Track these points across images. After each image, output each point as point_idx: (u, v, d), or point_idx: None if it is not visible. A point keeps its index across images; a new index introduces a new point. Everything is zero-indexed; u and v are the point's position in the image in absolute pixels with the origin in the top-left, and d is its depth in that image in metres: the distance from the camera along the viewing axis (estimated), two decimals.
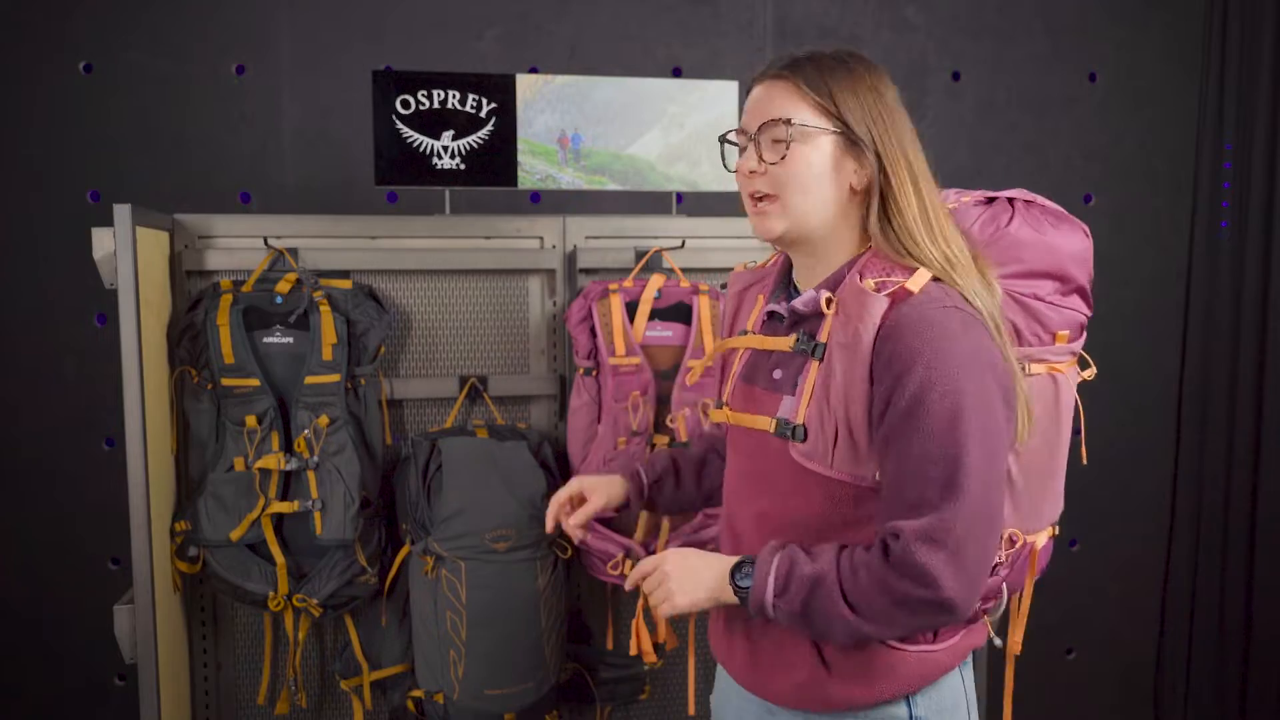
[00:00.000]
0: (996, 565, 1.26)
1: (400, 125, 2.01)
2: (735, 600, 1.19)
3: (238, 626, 2.06)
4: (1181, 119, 2.96)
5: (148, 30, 2.46)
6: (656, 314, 1.97)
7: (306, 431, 1.86)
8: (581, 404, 1.95)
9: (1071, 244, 1.28)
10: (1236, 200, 2.91)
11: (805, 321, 1.20)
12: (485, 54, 2.61)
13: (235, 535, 1.86)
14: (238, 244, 1.97)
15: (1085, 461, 1.47)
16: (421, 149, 2.03)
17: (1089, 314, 1.33)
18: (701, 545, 1.83)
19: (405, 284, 2.05)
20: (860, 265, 1.17)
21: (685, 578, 1.21)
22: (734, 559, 1.21)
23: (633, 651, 1.93)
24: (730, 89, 2.14)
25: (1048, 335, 1.27)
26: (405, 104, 2.01)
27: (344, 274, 1.97)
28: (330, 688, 2.09)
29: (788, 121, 1.17)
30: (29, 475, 2.50)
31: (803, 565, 1.13)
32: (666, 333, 1.98)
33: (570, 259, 2.06)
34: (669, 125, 2.12)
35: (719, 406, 1.32)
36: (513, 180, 2.07)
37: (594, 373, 1.94)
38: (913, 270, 1.14)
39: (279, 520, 1.91)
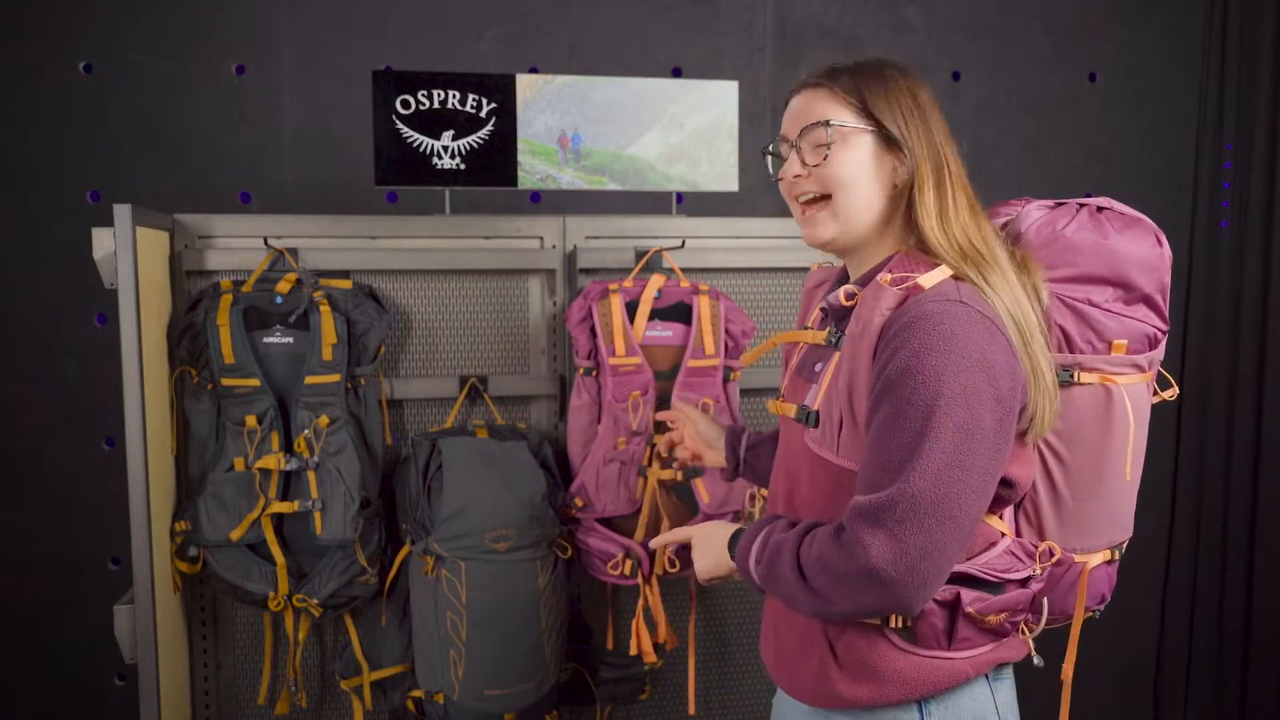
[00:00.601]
0: (1029, 579, 1.22)
1: (400, 125, 2.01)
2: (734, 566, 1.27)
3: (238, 626, 2.06)
4: (1181, 119, 2.96)
5: (148, 30, 2.46)
6: (656, 314, 1.97)
7: (306, 431, 1.86)
8: (581, 404, 1.95)
9: (1136, 249, 1.22)
10: (1236, 200, 2.91)
11: (840, 317, 1.24)
12: (485, 54, 2.61)
13: (235, 535, 1.86)
14: (238, 244, 1.97)
15: (1128, 479, 1.30)
16: (421, 149, 2.03)
17: (1163, 327, 1.26)
18: None
19: (405, 284, 2.05)
20: (891, 263, 1.20)
21: (700, 545, 1.35)
22: (736, 527, 1.31)
23: (633, 651, 1.94)
24: (730, 89, 2.14)
25: (1102, 344, 1.23)
26: (405, 104, 2.01)
27: (344, 274, 1.97)
28: (330, 688, 2.09)
29: (826, 123, 1.20)
30: (29, 475, 2.50)
31: (775, 535, 1.19)
32: (666, 333, 1.98)
33: (570, 259, 2.06)
34: (669, 125, 2.12)
35: (777, 398, 1.36)
36: (513, 180, 2.07)
37: (594, 373, 1.94)
38: (933, 267, 1.15)
39: (279, 520, 1.91)
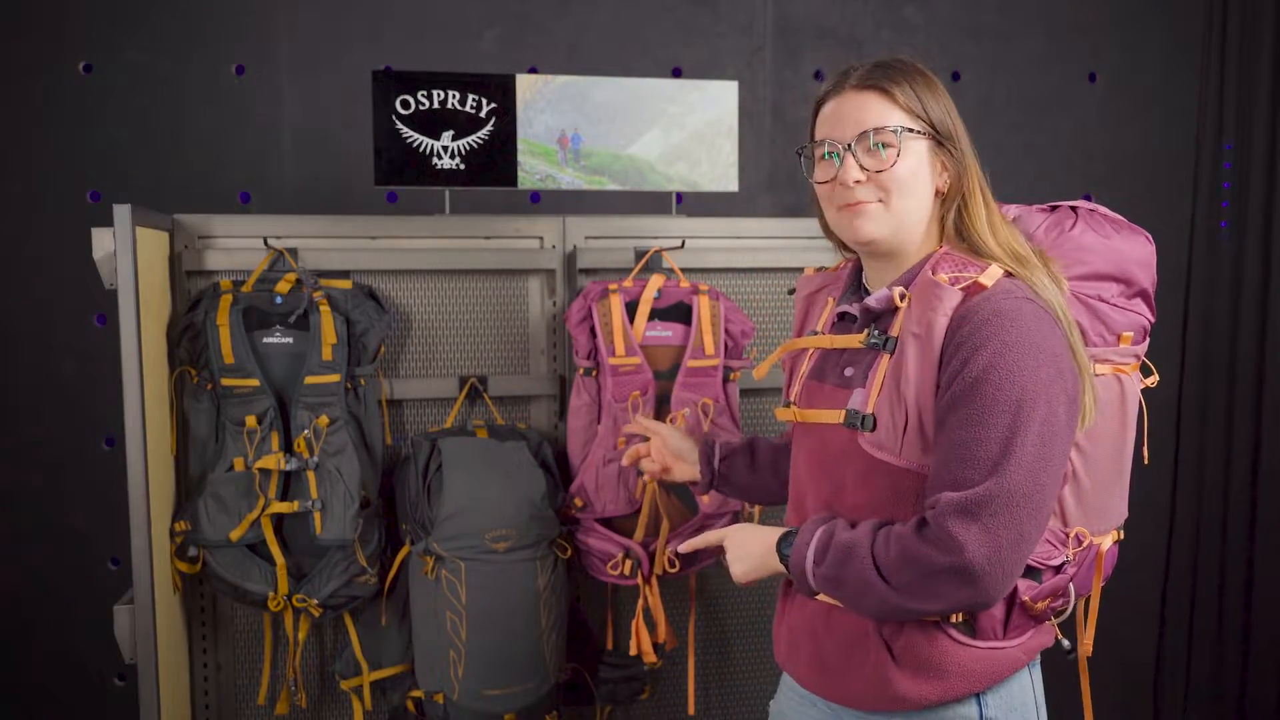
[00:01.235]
0: (1064, 564, 1.27)
1: (400, 125, 2.01)
2: (782, 568, 1.26)
3: (238, 626, 2.06)
4: (1181, 119, 2.96)
5: (148, 30, 2.46)
6: (656, 314, 1.97)
7: (306, 431, 1.86)
8: (581, 404, 1.95)
9: (1135, 249, 1.30)
10: (1236, 200, 2.91)
11: (878, 319, 1.25)
12: (485, 54, 2.61)
13: (235, 535, 1.86)
14: (237, 244, 1.97)
15: (1146, 462, 1.46)
16: (421, 149, 2.03)
17: (1152, 319, 1.34)
18: None
19: (405, 284, 2.05)
20: (933, 262, 1.21)
21: (738, 548, 1.33)
22: (783, 529, 1.29)
23: (633, 651, 1.94)
24: (730, 89, 2.14)
25: (1112, 336, 1.29)
26: (405, 104, 2.01)
27: (344, 274, 1.97)
28: (330, 688, 2.09)
29: (896, 129, 1.21)
30: (29, 475, 2.50)
31: (840, 534, 1.19)
32: (666, 333, 1.98)
33: (570, 259, 2.06)
34: (669, 125, 2.12)
35: (785, 406, 1.36)
36: (513, 180, 2.07)
37: (594, 373, 1.94)
38: (984, 267, 1.18)
39: (279, 520, 1.91)
